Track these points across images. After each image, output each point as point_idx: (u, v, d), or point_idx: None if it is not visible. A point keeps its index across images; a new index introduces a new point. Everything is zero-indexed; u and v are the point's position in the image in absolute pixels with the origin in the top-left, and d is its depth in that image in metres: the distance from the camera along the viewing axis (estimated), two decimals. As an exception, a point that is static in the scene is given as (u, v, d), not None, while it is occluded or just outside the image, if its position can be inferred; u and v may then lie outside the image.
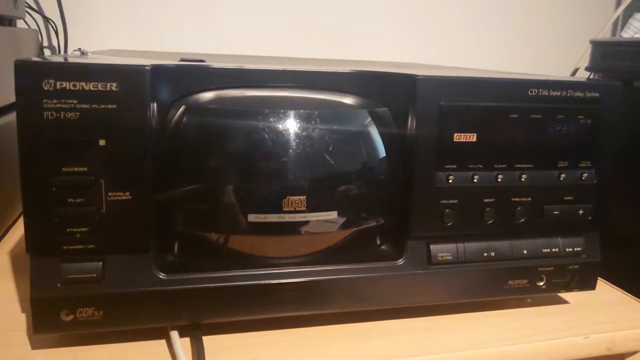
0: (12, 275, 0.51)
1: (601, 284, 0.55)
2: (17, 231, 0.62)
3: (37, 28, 0.85)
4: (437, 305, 0.47)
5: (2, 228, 0.59)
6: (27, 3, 0.81)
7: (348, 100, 0.44)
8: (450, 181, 0.43)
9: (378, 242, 0.46)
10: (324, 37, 0.99)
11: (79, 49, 0.50)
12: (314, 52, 0.98)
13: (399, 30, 1.03)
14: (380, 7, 1.01)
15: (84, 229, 0.37)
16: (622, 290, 0.55)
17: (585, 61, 0.76)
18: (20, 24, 0.78)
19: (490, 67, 1.06)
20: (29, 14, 0.83)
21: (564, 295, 0.53)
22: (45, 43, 0.88)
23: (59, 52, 0.87)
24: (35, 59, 0.36)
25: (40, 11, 0.85)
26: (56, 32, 0.86)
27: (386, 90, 0.44)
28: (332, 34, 0.99)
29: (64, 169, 0.36)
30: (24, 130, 0.35)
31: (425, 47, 1.05)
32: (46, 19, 0.86)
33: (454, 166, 0.44)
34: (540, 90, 0.45)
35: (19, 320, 0.43)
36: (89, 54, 0.49)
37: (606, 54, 0.70)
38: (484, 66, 1.06)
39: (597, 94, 0.46)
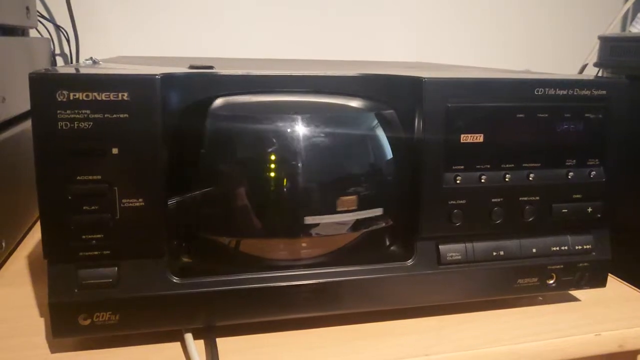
0: (30, 279, 0.52)
1: (612, 280, 0.55)
2: (35, 236, 0.64)
3: (49, 36, 0.86)
4: (448, 304, 0.48)
5: (20, 233, 0.61)
6: (39, 12, 0.83)
7: (355, 103, 0.44)
8: (458, 182, 0.44)
9: (387, 243, 0.46)
10: (330, 38, 0.99)
11: (91, 58, 0.51)
12: (321, 52, 0.98)
13: (407, 29, 1.03)
14: (386, 6, 1.01)
15: (99, 236, 0.38)
16: (633, 287, 0.55)
17: (593, 57, 0.76)
18: (32, 33, 0.80)
19: (498, 64, 1.05)
20: (41, 22, 0.84)
21: (574, 292, 0.53)
22: (58, 51, 0.89)
23: (71, 59, 0.88)
24: (49, 71, 0.37)
25: (52, 20, 0.86)
26: (68, 40, 0.87)
27: (393, 93, 0.44)
28: (339, 35, 0.99)
29: (78, 178, 0.37)
30: (40, 141, 0.36)
31: (433, 46, 1.05)
32: (58, 27, 0.87)
33: (462, 167, 0.44)
34: (547, 89, 0.45)
35: (38, 324, 0.44)
36: (100, 62, 0.50)
37: (614, 49, 0.69)
38: (492, 63, 1.06)
39: (604, 92, 0.46)
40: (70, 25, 0.85)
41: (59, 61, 0.90)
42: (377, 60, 0.95)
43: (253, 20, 0.95)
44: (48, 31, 0.87)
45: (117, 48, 0.90)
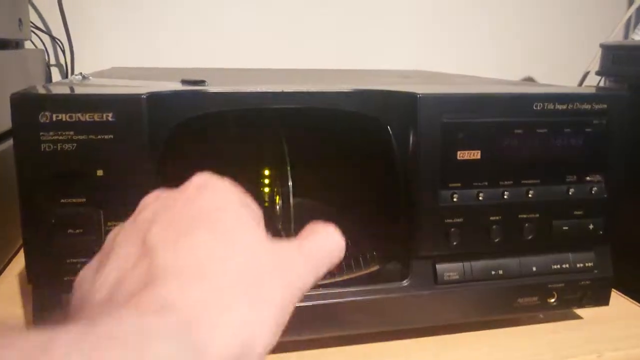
0: (21, 300, 0.51)
1: (616, 297, 0.53)
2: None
3: (43, 47, 0.86)
4: (446, 325, 0.46)
5: (9, 252, 0.60)
6: (33, 23, 0.82)
7: (349, 119, 0.43)
8: (454, 200, 0.43)
9: (383, 262, 0.45)
10: (326, 45, 0.98)
11: (80, 73, 0.50)
12: (318, 60, 0.98)
13: (406, 36, 1.02)
14: (384, 12, 1.00)
15: (84, 260, 0.37)
16: (638, 304, 0.53)
17: (595, 65, 0.74)
18: (27, 44, 0.79)
19: (499, 72, 1.04)
20: (36, 34, 0.83)
21: (576, 310, 0.51)
22: (53, 61, 0.89)
23: (66, 69, 0.87)
24: (31, 91, 0.36)
25: (47, 31, 0.86)
26: (62, 51, 0.86)
27: (387, 109, 0.43)
28: (335, 42, 0.98)
29: (62, 201, 0.36)
30: (22, 163, 0.35)
31: (432, 53, 1.04)
32: (52, 38, 0.86)
33: (458, 184, 0.43)
34: (546, 104, 0.43)
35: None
36: (90, 78, 0.49)
37: (616, 57, 0.68)
38: (493, 71, 1.05)
39: (604, 106, 0.45)
40: (65, 35, 0.84)
41: (54, 72, 0.89)
42: (373, 69, 0.94)
43: (250, 29, 0.94)
44: (43, 42, 0.86)
45: (112, 58, 0.89)
